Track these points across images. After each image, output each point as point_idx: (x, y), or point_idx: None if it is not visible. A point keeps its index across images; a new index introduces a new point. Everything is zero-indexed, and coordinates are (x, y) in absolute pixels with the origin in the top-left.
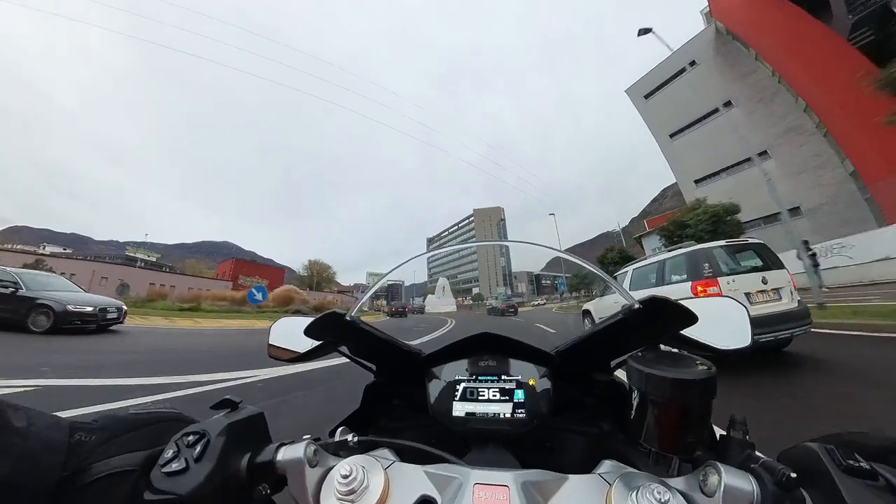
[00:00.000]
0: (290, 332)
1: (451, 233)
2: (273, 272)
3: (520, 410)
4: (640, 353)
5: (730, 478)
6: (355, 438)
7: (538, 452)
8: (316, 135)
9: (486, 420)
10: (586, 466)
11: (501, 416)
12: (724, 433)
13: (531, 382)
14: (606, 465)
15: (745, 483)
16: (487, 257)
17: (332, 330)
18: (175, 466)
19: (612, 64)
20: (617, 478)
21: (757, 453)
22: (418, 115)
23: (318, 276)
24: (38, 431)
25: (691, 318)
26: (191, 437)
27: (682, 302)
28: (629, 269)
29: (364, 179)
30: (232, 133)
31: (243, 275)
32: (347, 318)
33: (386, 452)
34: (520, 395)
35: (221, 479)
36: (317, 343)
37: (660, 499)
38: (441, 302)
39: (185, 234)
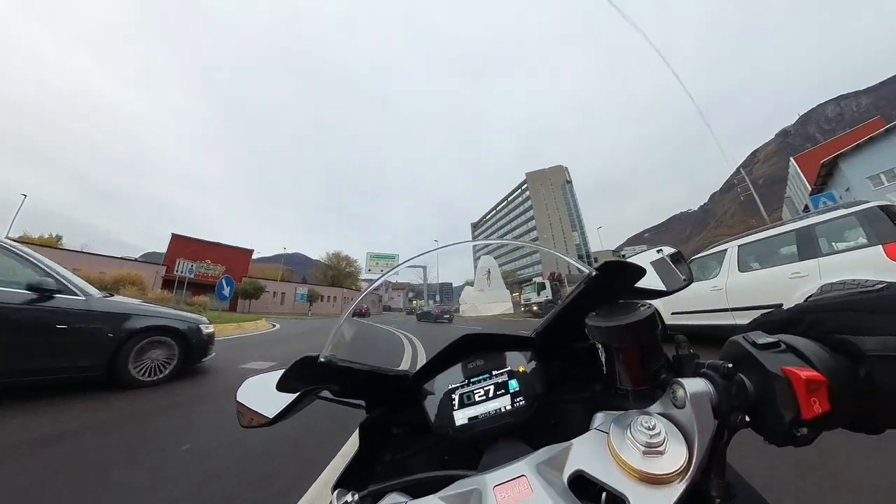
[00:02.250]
0: (261, 391)
1: (500, 210)
2: (234, 254)
3: (518, 399)
4: (593, 314)
5: (691, 386)
6: (355, 497)
7: (546, 431)
8: (361, 146)
9: (489, 419)
10: (586, 425)
11: (503, 409)
12: (676, 353)
13: (521, 369)
14: (599, 418)
15: (702, 386)
16: (553, 233)
17: (307, 377)
18: None
19: (663, 23)
20: (610, 424)
21: (702, 360)
22: (452, 111)
23: (338, 271)
24: None
25: (640, 272)
26: None
27: (629, 259)
28: (730, 246)
29: (407, 183)
30: (292, 157)
31: (187, 257)
32: (322, 360)
33: (395, 496)
34: (514, 384)
35: None
36: (294, 396)
37: (647, 425)
38: (484, 298)
39: (264, 249)
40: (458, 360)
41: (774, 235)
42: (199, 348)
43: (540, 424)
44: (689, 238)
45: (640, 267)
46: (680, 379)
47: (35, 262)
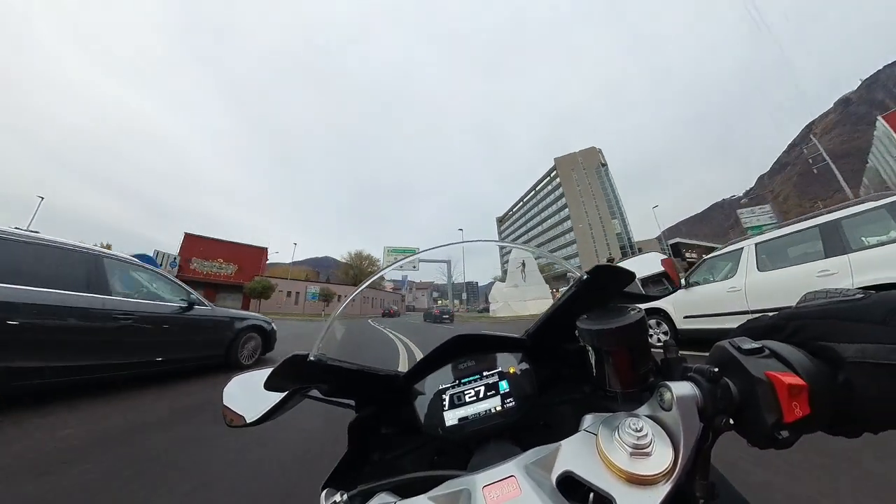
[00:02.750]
0: (248, 390)
1: (527, 201)
2: (247, 253)
3: (509, 400)
4: (584, 317)
5: (678, 390)
6: (344, 497)
7: (536, 432)
8: (381, 147)
9: (480, 420)
10: (575, 426)
11: (493, 410)
12: (664, 357)
13: (512, 370)
14: (588, 419)
15: (688, 389)
16: (590, 222)
17: (296, 376)
18: None
19: None
20: (599, 425)
21: (689, 364)
22: (469, 108)
23: (360, 270)
24: None
25: (630, 276)
26: None
27: (620, 264)
28: (746, 244)
29: (428, 183)
30: (316, 165)
31: (199, 257)
32: (312, 359)
33: (384, 496)
34: (504, 385)
35: None
36: (282, 395)
37: (635, 427)
38: (519, 294)
39: (297, 254)
40: (450, 361)
41: (794, 232)
42: (272, 341)
43: (530, 425)
44: (733, 227)
45: (631, 272)
46: (667, 382)
47: (177, 282)
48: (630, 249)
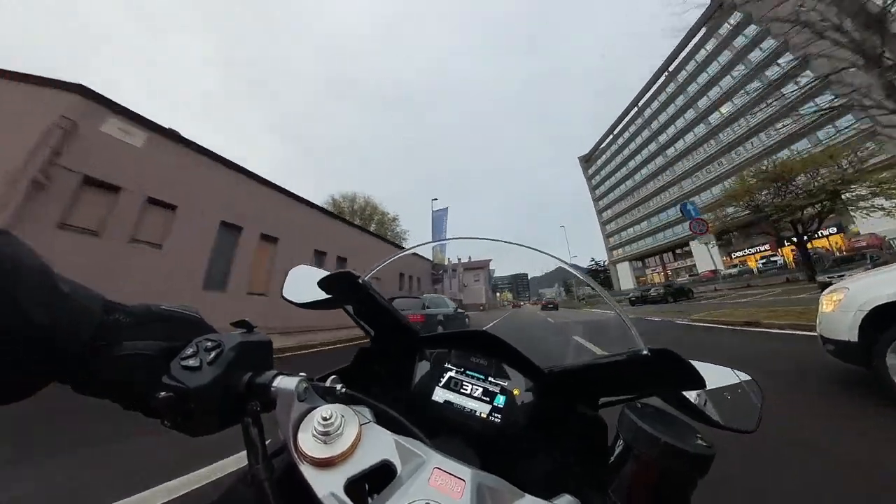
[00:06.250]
0: (305, 280)
1: (642, 106)
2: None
3: (496, 415)
4: (638, 405)
5: None
6: (343, 389)
7: (499, 460)
8: (438, 146)
9: (461, 413)
10: (541, 490)
11: (477, 414)
12: None
13: (515, 392)
14: (566, 500)
15: None
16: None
17: (342, 288)
18: (192, 363)
19: None
20: None
21: None
22: (520, 88)
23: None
24: (79, 299)
25: (698, 383)
26: (209, 343)
27: (693, 362)
28: None
29: (489, 172)
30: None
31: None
32: (360, 281)
33: (366, 410)
34: (501, 400)
35: (224, 385)
36: (326, 296)
37: None
38: None
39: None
40: (467, 349)
41: None
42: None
43: (500, 448)
44: None
45: (701, 377)
46: None
47: (448, 300)
48: None
